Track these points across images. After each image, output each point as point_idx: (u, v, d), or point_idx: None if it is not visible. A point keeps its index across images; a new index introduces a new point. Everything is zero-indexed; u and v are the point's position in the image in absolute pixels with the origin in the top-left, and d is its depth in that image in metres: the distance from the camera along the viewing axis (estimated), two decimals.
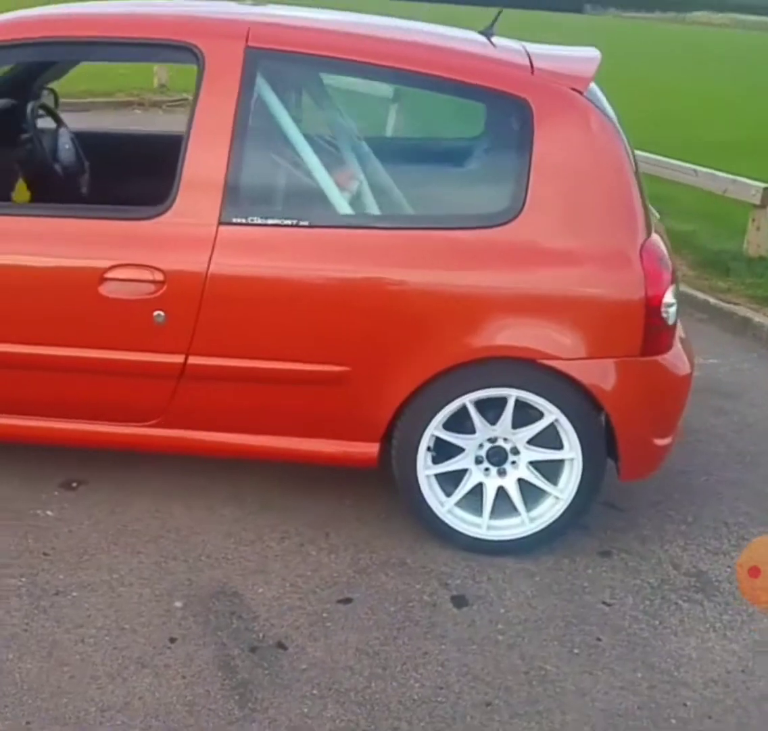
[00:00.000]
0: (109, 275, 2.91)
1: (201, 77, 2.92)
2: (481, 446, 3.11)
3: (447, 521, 3.14)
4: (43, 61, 3.79)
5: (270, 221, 2.91)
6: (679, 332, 3.30)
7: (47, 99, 4.20)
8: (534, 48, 3.36)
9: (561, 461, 3.08)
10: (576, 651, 2.79)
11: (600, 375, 2.97)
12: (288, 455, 3.17)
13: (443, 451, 3.12)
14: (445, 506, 3.13)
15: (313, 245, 2.95)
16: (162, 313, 2.91)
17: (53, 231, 3.02)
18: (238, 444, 3.14)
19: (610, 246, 2.96)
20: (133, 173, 3.81)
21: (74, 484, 3.38)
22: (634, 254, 2.93)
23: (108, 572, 2.93)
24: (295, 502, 3.38)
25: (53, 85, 4.25)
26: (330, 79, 3.32)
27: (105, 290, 2.92)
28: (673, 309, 3.01)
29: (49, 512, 3.20)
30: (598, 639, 2.85)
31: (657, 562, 3.25)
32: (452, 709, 2.53)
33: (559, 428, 3.03)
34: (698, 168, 7.11)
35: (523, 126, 2.94)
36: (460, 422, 3.08)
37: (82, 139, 4.10)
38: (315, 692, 2.54)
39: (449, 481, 3.15)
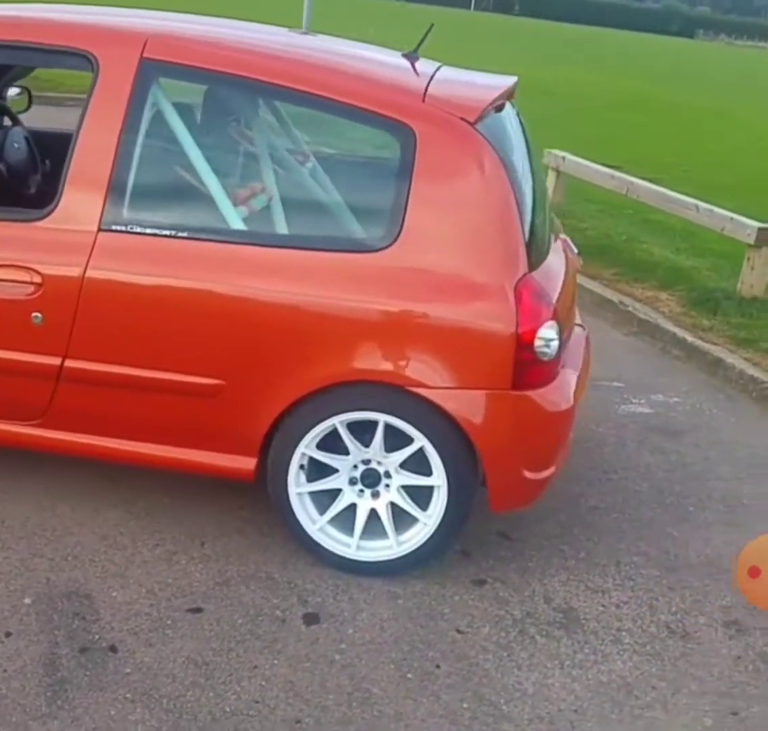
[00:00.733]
0: None
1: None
2: (355, 467, 3.13)
3: (317, 538, 3.16)
4: None
5: (149, 231, 2.98)
6: (577, 361, 3.28)
7: (13, 99, 4.32)
8: (446, 74, 3.39)
9: (431, 487, 3.08)
10: (410, 675, 2.78)
11: (466, 405, 2.95)
12: (167, 463, 3.22)
13: (321, 470, 3.14)
14: (316, 524, 3.15)
15: (192, 257, 3.00)
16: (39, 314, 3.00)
17: None
18: (118, 450, 3.20)
19: (483, 278, 2.95)
20: None
21: None
22: (509, 287, 2.92)
23: None
24: (183, 510, 3.43)
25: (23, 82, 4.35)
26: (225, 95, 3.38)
27: None
28: (553, 344, 2.98)
29: None
30: (437, 666, 2.83)
31: (530, 595, 3.21)
32: (260, 724, 2.54)
33: (427, 455, 3.03)
34: (700, 203, 7.01)
35: (406, 152, 2.96)
36: (335, 443, 3.09)
37: (54, 139, 4.13)
38: (128, 696, 2.58)
39: (324, 500, 3.17)
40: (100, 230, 2.98)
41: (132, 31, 3.17)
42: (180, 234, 2.99)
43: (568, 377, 3.23)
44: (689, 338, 5.86)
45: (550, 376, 3.07)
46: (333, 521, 3.17)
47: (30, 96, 4.49)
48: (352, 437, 3.06)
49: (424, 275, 2.95)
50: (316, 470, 3.14)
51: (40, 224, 3.01)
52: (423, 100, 3.04)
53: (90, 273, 2.97)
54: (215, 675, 2.69)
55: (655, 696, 2.82)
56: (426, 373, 2.94)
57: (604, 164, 8.24)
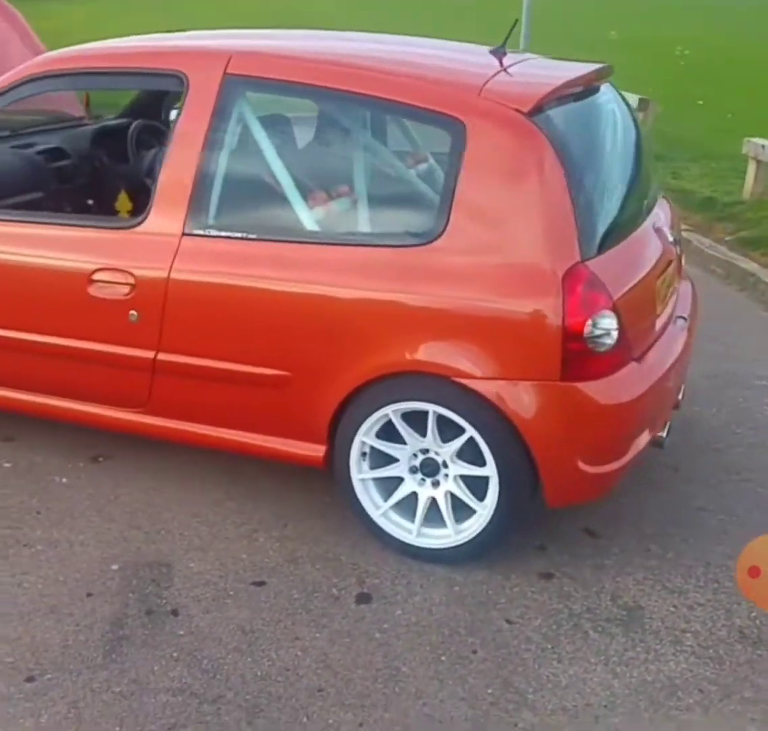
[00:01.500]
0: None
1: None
2: (415, 456, 3.22)
3: (380, 523, 3.28)
4: None
5: (224, 233, 3.24)
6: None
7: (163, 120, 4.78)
8: (524, 67, 3.43)
9: (488, 478, 3.11)
10: (443, 658, 2.83)
11: (513, 396, 2.96)
12: (249, 449, 3.43)
13: (384, 458, 3.27)
14: (379, 509, 3.27)
15: (263, 257, 3.22)
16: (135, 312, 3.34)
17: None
18: (207, 436, 3.46)
19: (530, 268, 2.95)
20: None
21: (100, 459, 3.88)
22: (557, 277, 2.90)
23: (77, 533, 3.38)
24: (277, 494, 3.65)
25: None
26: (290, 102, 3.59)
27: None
28: (613, 334, 2.94)
29: (64, 480, 3.72)
30: (474, 652, 2.86)
31: (597, 591, 3.16)
32: (283, 689, 2.70)
33: (479, 445, 3.07)
34: None
35: (456, 145, 3.03)
36: (396, 433, 3.21)
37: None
38: (175, 655, 2.82)
39: (390, 486, 3.29)
40: (183, 234, 3.27)
41: (218, 49, 3.44)
42: (253, 236, 3.22)
43: (642, 368, 3.14)
44: None
45: (611, 367, 3.01)
46: (397, 507, 3.27)
47: None
48: (406, 427, 3.16)
49: (470, 266, 2.99)
50: (380, 458, 3.26)
51: (134, 231, 3.35)
52: (479, 94, 3.09)
53: (174, 275, 3.27)
54: (258, 643, 2.87)
55: (699, 699, 2.70)
56: (472, 363, 2.98)
57: None
